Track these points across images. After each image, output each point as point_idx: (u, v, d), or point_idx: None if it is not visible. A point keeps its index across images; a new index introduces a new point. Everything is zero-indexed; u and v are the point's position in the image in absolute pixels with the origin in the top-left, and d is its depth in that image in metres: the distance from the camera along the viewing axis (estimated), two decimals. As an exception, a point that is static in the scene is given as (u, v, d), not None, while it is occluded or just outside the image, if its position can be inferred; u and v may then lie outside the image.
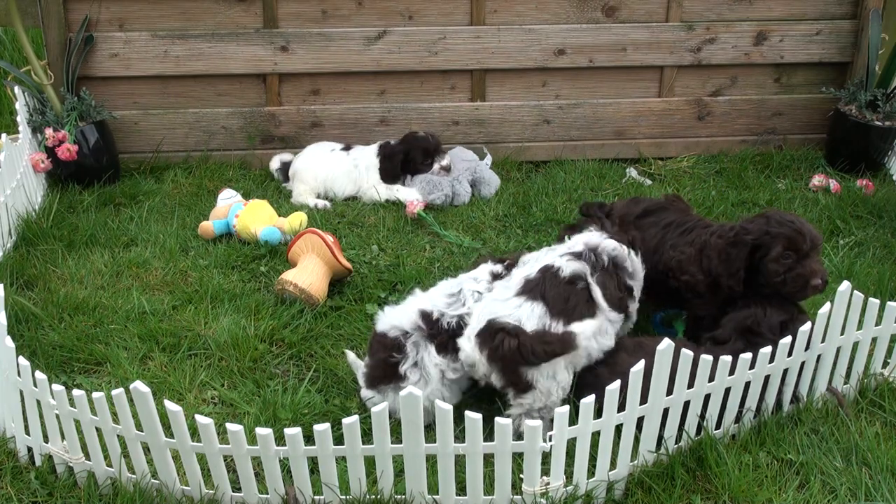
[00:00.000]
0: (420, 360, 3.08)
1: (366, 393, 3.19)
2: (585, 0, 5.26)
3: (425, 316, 3.13)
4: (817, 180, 5.13)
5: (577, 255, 3.16)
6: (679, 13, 5.31)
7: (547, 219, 4.70)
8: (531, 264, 3.19)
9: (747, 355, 2.91)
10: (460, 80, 5.39)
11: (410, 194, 4.84)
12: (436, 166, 4.96)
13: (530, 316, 2.96)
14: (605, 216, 3.72)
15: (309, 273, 3.90)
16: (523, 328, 2.93)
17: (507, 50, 5.30)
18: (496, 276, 3.27)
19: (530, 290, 3.03)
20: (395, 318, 3.17)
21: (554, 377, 2.97)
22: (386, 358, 3.11)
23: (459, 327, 3.10)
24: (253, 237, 4.40)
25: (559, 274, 3.07)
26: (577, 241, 3.27)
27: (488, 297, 3.15)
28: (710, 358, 2.82)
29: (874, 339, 3.27)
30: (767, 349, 2.95)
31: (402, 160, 4.94)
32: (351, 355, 3.39)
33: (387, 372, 3.11)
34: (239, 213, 4.46)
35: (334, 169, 4.99)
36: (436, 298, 3.22)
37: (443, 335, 3.10)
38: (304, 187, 4.97)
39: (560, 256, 3.16)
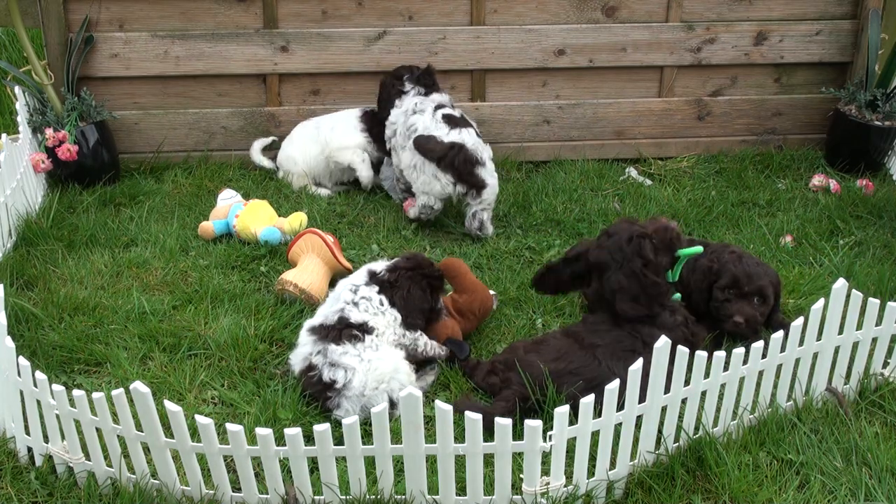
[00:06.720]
0: (334, 359, 3.19)
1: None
2: (585, 0, 5.27)
3: (313, 330, 3.33)
4: (817, 180, 5.13)
5: None
6: (679, 13, 5.31)
7: (547, 219, 4.70)
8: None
9: (740, 351, 2.92)
10: (460, 80, 5.39)
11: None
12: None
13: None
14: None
15: (309, 273, 3.90)
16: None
17: (507, 50, 5.30)
18: (374, 275, 3.50)
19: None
20: (295, 356, 3.34)
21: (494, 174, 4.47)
22: (309, 377, 3.23)
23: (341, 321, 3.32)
24: (253, 237, 4.40)
25: None
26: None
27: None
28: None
29: (874, 340, 3.27)
30: (759, 344, 2.96)
31: (381, 97, 4.90)
32: None
33: (316, 388, 3.21)
34: (239, 213, 4.46)
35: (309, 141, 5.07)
36: (321, 311, 3.43)
37: (333, 331, 3.27)
38: (297, 170, 5.05)
39: None
